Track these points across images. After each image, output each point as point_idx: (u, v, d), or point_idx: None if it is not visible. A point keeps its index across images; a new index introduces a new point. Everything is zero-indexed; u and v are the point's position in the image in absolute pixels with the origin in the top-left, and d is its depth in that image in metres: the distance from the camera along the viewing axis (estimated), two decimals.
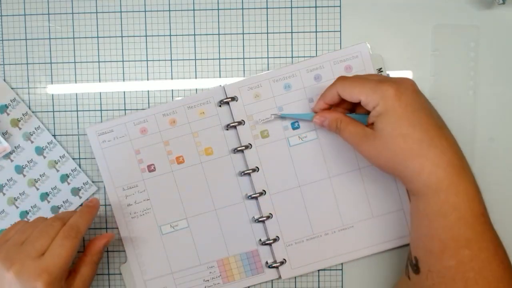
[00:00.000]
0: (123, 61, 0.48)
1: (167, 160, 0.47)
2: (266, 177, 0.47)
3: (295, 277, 0.48)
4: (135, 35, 0.48)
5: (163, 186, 0.47)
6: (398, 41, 0.47)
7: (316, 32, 0.47)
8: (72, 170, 0.48)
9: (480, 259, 0.36)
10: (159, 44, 0.48)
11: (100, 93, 0.48)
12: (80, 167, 0.48)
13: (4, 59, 0.48)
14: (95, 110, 0.48)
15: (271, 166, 0.46)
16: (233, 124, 0.46)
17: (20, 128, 0.48)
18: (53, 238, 0.39)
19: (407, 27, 0.47)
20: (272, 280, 0.48)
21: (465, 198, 0.36)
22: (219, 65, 0.48)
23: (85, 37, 0.48)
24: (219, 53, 0.48)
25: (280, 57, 0.48)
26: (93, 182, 0.48)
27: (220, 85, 0.47)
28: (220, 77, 0.48)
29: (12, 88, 0.48)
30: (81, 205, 0.48)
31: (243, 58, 0.48)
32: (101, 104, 0.48)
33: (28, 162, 0.48)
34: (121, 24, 0.48)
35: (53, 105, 0.48)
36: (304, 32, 0.47)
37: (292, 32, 0.47)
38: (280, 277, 0.47)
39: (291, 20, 0.47)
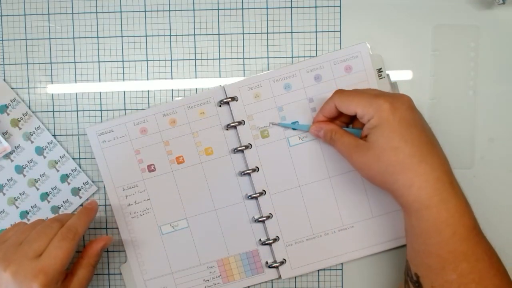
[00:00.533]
0: (123, 61, 0.48)
1: (167, 160, 0.47)
2: (266, 177, 0.47)
3: (295, 277, 0.48)
4: (135, 35, 0.48)
5: (163, 186, 0.47)
6: (398, 41, 0.47)
7: (316, 32, 0.47)
8: (72, 170, 0.48)
9: (478, 270, 0.36)
10: (159, 44, 0.48)
11: (100, 93, 0.48)
12: (80, 167, 0.48)
13: (4, 59, 0.48)
14: (95, 110, 0.48)
15: (271, 166, 0.47)
16: (233, 124, 0.46)
17: (20, 128, 0.48)
18: (51, 240, 0.39)
19: (407, 27, 0.47)
20: (272, 280, 0.48)
21: (456, 214, 0.37)
22: (219, 65, 0.48)
23: (85, 37, 0.48)
24: (219, 53, 0.48)
25: (280, 57, 0.48)
26: (93, 182, 0.48)
27: (220, 85, 0.47)
28: (220, 77, 0.48)
29: (12, 88, 0.48)
30: (80, 206, 0.48)
31: (243, 58, 0.48)
32: (101, 104, 0.48)
33: (28, 162, 0.48)
34: (121, 24, 0.48)
35: (53, 105, 0.48)
36: (304, 32, 0.47)
37: (292, 32, 0.47)
38: (280, 277, 0.47)
39: (291, 20, 0.47)
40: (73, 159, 0.48)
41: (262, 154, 0.46)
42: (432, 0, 0.47)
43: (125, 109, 0.48)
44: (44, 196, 0.48)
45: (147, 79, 0.48)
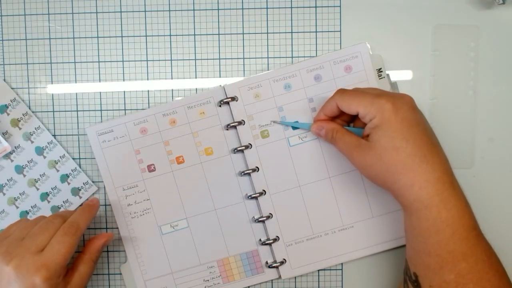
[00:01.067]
0: (123, 61, 0.48)
1: (167, 160, 0.47)
2: (266, 177, 0.47)
3: (295, 277, 0.48)
4: (135, 35, 0.48)
5: (163, 186, 0.47)
6: (398, 41, 0.47)
7: (316, 32, 0.47)
8: (72, 170, 0.48)
9: (477, 270, 0.37)
10: (159, 44, 0.48)
11: (100, 93, 0.48)
12: (80, 167, 0.48)
13: (4, 59, 0.48)
14: (95, 110, 0.48)
15: (271, 166, 0.47)
16: (233, 124, 0.46)
17: (20, 128, 0.48)
18: (53, 235, 0.40)
19: (407, 27, 0.47)
20: (272, 280, 0.48)
21: (456, 214, 0.37)
22: (219, 65, 0.48)
23: (85, 37, 0.48)
24: (219, 53, 0.48)
25: (280, 57, 0.48)
26: (93, 182, 0.48)
27: (220, 85, 0.47)
28: (220, 77, 0.48)
29: (12, 88, 0.48)
30: (81, 205, 0.48)
31: (243, 58, 0.48)
32: (101, 104, 0.48)
33: (28, 162, 0.48)
34: (121, 24, 0.48)
35: (53, 105, 0.48)
36: (304, 32, 0.47)
37: (292, 32, 0.47)
38: (280, 277, 0.47)
39: (291, 20, 0.47)
40: (73, 159, 0.48)
41: (262, 154, 0.46)
42: (432, 0, 0.47)
43: (125, 109, 0.48)
44: (44, 196, 0.48)
45: (147, 79, 0.48)
